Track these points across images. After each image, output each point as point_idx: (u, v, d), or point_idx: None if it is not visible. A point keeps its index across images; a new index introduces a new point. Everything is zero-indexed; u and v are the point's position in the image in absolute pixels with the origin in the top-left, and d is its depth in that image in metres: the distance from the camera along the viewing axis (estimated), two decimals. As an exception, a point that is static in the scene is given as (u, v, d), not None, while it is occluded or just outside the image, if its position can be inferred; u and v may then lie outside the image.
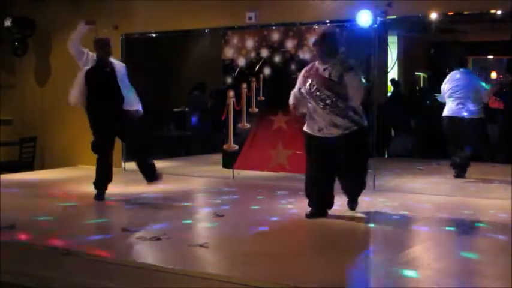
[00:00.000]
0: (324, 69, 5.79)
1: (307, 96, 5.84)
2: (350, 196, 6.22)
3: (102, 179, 7.12)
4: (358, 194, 6.25)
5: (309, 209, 6.02)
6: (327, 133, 5.80)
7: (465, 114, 8.39)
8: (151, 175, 7.15)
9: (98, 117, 6.89)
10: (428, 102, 11.50)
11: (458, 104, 8.44)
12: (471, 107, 8.40)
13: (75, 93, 6.93)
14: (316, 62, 5.92)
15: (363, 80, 5.89)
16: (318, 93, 5.75)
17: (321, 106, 5.76)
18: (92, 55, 7.31)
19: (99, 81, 6.92)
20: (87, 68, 7.03)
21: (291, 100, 6.01)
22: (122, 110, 7.00)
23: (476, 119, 8.44)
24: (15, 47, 10.59)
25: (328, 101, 5.71)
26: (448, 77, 8.70)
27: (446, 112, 8.60)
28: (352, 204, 6.26)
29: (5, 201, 6.88)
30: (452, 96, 8.51)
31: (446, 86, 8.64)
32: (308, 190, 6.02)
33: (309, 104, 5.88)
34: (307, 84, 5.82)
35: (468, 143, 8.44)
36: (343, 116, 5.73)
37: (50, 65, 10.68)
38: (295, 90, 6.01)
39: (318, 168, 5.91)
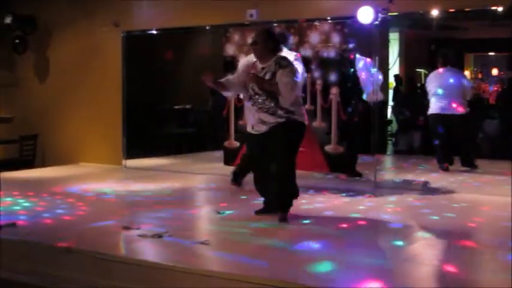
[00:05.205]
0: (262, 68, 5.67)
1: (244, 93, 5.85)
2: (277, 205, 5.81)
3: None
4: (285, 202, 5.76)
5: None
6: (257, 130, 5.72)
7: (453, 111, 8.68)
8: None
9: None
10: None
11: (444, 101, 8.73)
12: (458, 104, 8.69)
13: None
14: (258, 61, 5.77)
15: (297, 78, 5.69)
16: (252, 91, 5.69)
17: (251, 103, 5.71)
18: None
19: None
20: None
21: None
22: None
23: (464, 115, 8.72)
24: (16, 44, 10.56)
25: (259, 100, 5.63)
26: (431, 75, 9.05)
27: (432, 110, 8.87)
28: (281, 216, 5.69)
29: (5, 199, 6.90)
30: (438, 94, 8.79)
31: (431, 85, 8.94)
32: (256, 187, 5.99)
33: (246, 102, 5.86)
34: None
35: (463, 139, 8.85)
36: (272, 113, 5.60)
37: (49, 62, 10.67)
38: (232, 76, 5.93)
39: (258, 166, 5.91)
